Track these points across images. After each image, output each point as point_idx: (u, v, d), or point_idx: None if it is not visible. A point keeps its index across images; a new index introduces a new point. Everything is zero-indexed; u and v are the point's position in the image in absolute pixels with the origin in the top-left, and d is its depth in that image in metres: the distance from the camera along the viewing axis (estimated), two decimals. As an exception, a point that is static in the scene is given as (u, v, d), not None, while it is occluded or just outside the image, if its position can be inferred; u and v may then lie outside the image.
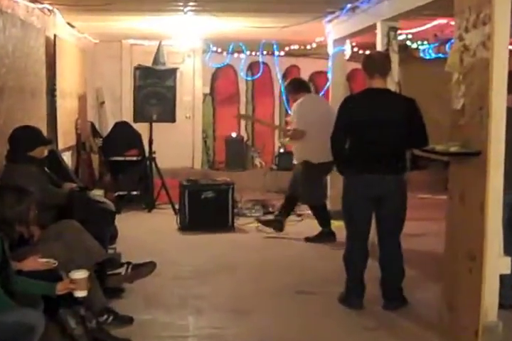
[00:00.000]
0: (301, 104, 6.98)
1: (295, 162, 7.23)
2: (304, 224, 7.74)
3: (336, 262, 5.05)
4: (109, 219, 5.40)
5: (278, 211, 7.41)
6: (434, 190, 9.51)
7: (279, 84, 11.29)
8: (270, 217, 7.71)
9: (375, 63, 4.72)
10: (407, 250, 4.86)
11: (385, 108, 4.63)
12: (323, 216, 7.07)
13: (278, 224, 7.23)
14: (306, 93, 7.13)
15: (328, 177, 8.05)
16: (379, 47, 6.43)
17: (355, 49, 9.53)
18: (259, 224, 7.44)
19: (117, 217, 5.75)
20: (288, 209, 7.27)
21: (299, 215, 8.09)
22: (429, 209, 8.42)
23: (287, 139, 7.36)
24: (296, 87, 7.18)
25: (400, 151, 4.69)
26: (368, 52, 8.47)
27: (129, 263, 4.78)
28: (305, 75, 11.28)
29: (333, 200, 7.68)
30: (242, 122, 11.20)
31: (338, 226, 6.84)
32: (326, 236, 6.97)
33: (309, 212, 7.40)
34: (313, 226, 7.06)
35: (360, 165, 4.63)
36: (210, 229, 7.37)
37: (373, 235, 4.89)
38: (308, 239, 7.00)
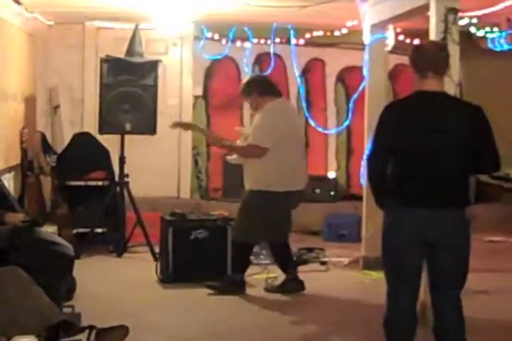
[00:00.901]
0: (270, 111, 6.99)
1: (249, 188, 7.10)
2: (330, 275, 7.73)
3: (373, 328, 5.04)
4: (64, 267, 5.41)
5: (280, 268, 7.33)
6: (507, 230, 9.51)
7: (296, 84, 11.35)
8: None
9: (428, 57, 4.75)
10: (470, 312, 4.85)
11: (441, 118, 4.65)
12: (243, 258, 7.16)
13: (294, 285, 7.18)
14: (275, 97, 7.15)
15: (364, 213, 8.05)
16: (433, 36, 6.48)
17: (401, 37, 9.60)
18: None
19: (76, 263, 5.75)
20: (286, 259, 7.25)
21: (323, 263, 8.09)
22: (500, 256, 8.41)
23: (234, 156, 7.32)
24: (265, 88, 7.15)
25: (461, 178, 4.70)
26: (417, 41, 8.59)
27: (91, 327, 4.78)
28: (333, 72, 11.38)
29: (370, 243, 7.68)
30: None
31: (376, 278, 6.84)
32: (237, 285, 7.11)
33: (336, 259, 7.40)
34: (343, 277, 7.05)
35: (407, 196, 4.64)
36: (202, 281, 7.33)
37: (424, 292, 4.89)
38: (209, 286, 7.11)
